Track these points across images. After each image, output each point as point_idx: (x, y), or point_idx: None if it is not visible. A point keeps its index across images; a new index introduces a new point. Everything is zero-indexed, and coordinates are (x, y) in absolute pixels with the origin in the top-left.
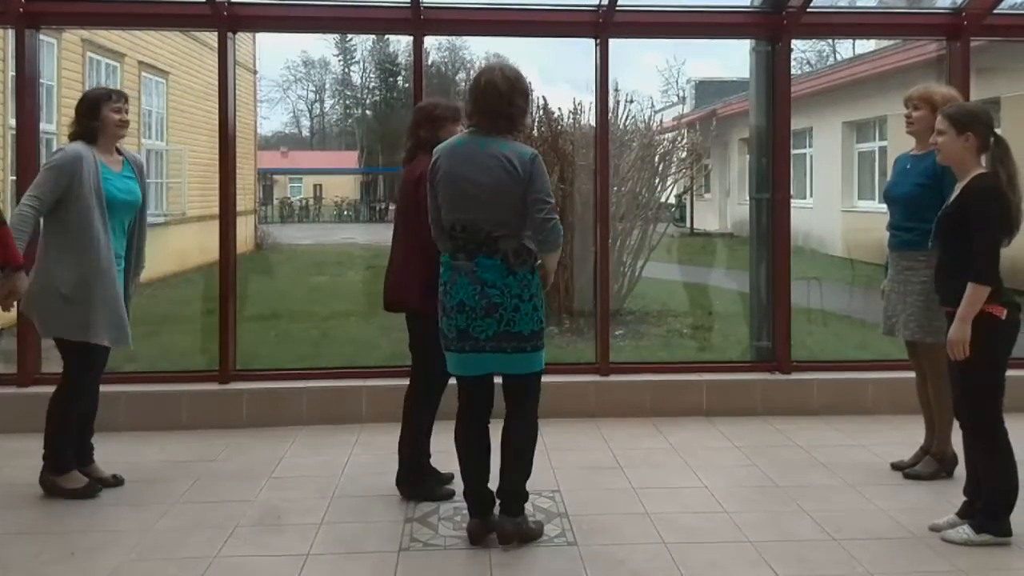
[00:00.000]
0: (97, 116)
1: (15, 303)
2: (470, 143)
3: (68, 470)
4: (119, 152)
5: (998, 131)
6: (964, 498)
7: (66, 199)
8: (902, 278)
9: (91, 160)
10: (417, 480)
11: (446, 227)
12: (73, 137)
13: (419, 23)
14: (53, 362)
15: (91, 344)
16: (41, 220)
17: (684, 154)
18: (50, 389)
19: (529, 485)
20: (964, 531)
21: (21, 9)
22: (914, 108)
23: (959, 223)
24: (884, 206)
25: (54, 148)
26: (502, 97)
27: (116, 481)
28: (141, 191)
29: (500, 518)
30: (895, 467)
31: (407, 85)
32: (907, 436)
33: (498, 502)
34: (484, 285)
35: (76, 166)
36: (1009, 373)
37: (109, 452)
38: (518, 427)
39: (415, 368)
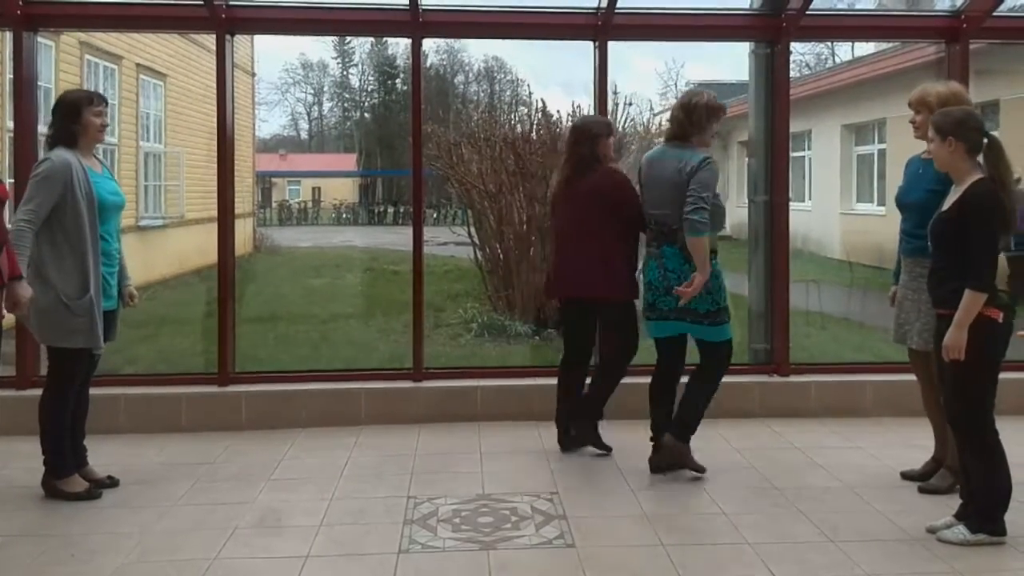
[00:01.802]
0: (78, 119)
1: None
2: (662, 153)
3: (69, 474)
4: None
5: (995, 133)
6: (961, 500)
7: (59, 208)
8: (916, 285)
9: (78, 166)
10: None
11: (647, 221)
12: (53, 141)
13: (417, 26)
14: None
15: (84, 349)
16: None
17: None
18: None
19: (527, 487)
20: (960, 531)
21: (19, 11)
22: (916, 112)
23: (958, 228)
24: (882, 209)
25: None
26: (672, 113)
27: (111, 483)
28: None
29: (666, 437)
30: (905, 476)
31: (405, 88)
32: (905, 439)
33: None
34: (666, 270)
35: (67, 174)
36: (1005, 376)
37: (109, 454)
38: (696, 377)
39: (604, 348)
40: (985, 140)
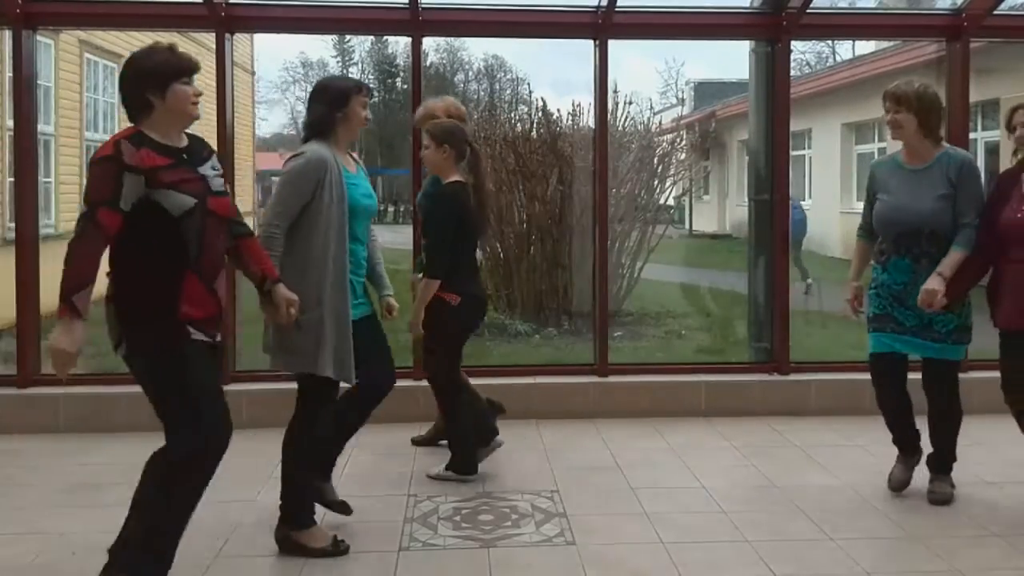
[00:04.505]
0: (344, 107)
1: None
2: None
3: (308, 524)
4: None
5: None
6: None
7: (307, 210)
8: None
9: (334, 163)
10: None
11: None
12: (310, 130)
13: (417, 24)
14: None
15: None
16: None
17: (683, 156)
18: (49, 390)
19: (527, 485)
20: (439, 469)
21: (18, 10)
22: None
23: None
24: None
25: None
26: None
27: (344, 510)
28: None
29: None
30: (415, 442)
31: (406, 87)
32: None
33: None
34: None
35: (321, 172)
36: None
37: (111, 454)
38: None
39: None
40: (469, 150)
